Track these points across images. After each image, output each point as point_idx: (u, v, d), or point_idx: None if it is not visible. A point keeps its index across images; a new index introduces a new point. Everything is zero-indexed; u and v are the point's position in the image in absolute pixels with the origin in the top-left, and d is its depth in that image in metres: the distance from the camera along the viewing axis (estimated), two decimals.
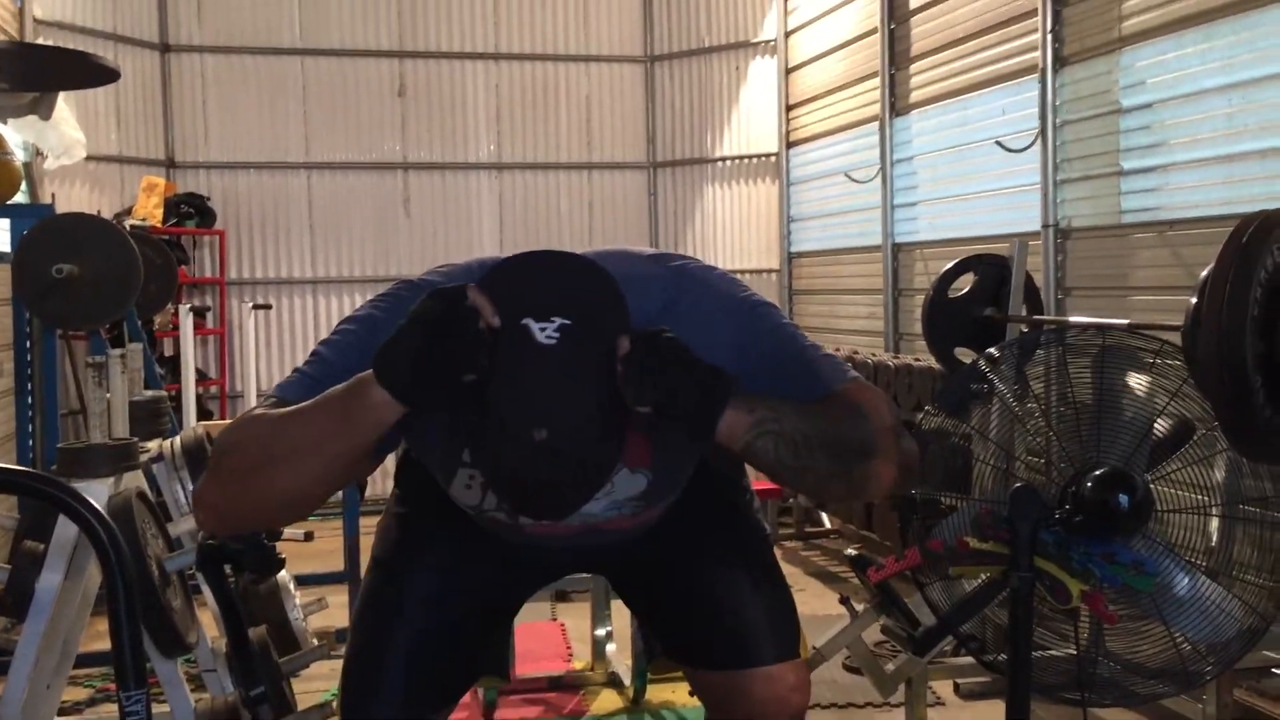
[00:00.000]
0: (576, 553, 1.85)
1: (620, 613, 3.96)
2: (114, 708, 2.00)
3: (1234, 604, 2.28)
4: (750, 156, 7.51)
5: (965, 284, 3.91)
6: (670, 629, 1.89)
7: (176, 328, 6.52)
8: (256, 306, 7.17)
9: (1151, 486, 2.32)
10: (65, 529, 2.72)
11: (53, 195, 5.60)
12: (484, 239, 7.59)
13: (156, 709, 2.06)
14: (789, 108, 7.13)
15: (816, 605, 4.69)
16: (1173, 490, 2.37)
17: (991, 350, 2.72)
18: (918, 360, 4.93)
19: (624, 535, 1.72)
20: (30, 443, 5.01)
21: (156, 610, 2.59)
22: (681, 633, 1.83)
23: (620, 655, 3.90)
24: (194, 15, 7.16)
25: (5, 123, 4.66)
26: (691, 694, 3.31)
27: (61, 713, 3.57)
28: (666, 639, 1.91)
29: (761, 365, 1.48)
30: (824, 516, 6.16)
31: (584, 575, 4.05)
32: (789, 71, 7.10)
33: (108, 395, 3.06)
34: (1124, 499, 2.23)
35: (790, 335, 1.55)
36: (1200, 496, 2.35)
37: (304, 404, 1.41)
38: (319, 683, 3.83)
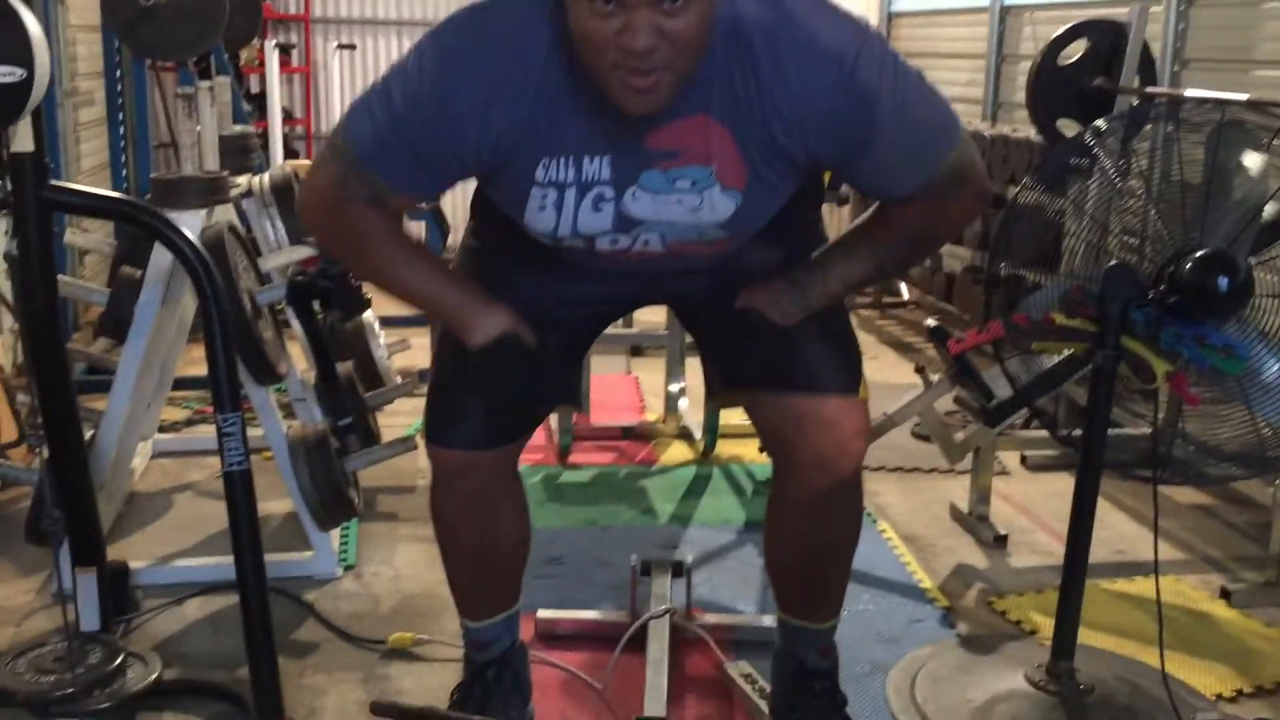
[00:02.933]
0: (651, 279, 1.83)
1: (694, 370, 4.02)
2: (211, 428, 2.11)
3: None
4: None
5: (1076, 51, 3.71)
6: (732, 355, 1.89)
7: (262, 65, 6.48)
8: (341, 46, 7.09)
9: (1254, 271, 2.25)
10: (161, 257, 2.79)
11: None
12: None
13: (250, 432, 2.15)
14: None
15: (890, 374, 4.73)
16: (1273, 277, 2.30)
17: (1098, 122, 2.60)
18: (1015, 131, 4.76)
19: (700, 262, 1.71)
20: (124, 173, 5.09)
21: (249, 339, 2.67)
22: (742, 358, 1.83)
23: (692, 410, 3.99)
24: None
25: None
26: (761, 450, 3.40)
27: (161, 430, 3.78)
28: (729, 367, 1.91)
29: (864, 145, 1.54)
30: (902, 287, 6.12)
31: (660, 333, 4.12)
32: None
33: (198, 128, 3.08)
34: (1223, 281, 2.16)
35: (896, 106, 1.52)
36: None
37: (394, 270, 1.69)
38: (403, 418, 3.97)
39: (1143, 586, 2.84)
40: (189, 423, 4.01)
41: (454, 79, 1.49)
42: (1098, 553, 2.59)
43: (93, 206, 2.38)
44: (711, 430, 3.77)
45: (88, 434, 2.65)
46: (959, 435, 3.27)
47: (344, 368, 3.19)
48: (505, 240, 1.71)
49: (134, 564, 2.72)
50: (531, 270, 1.75)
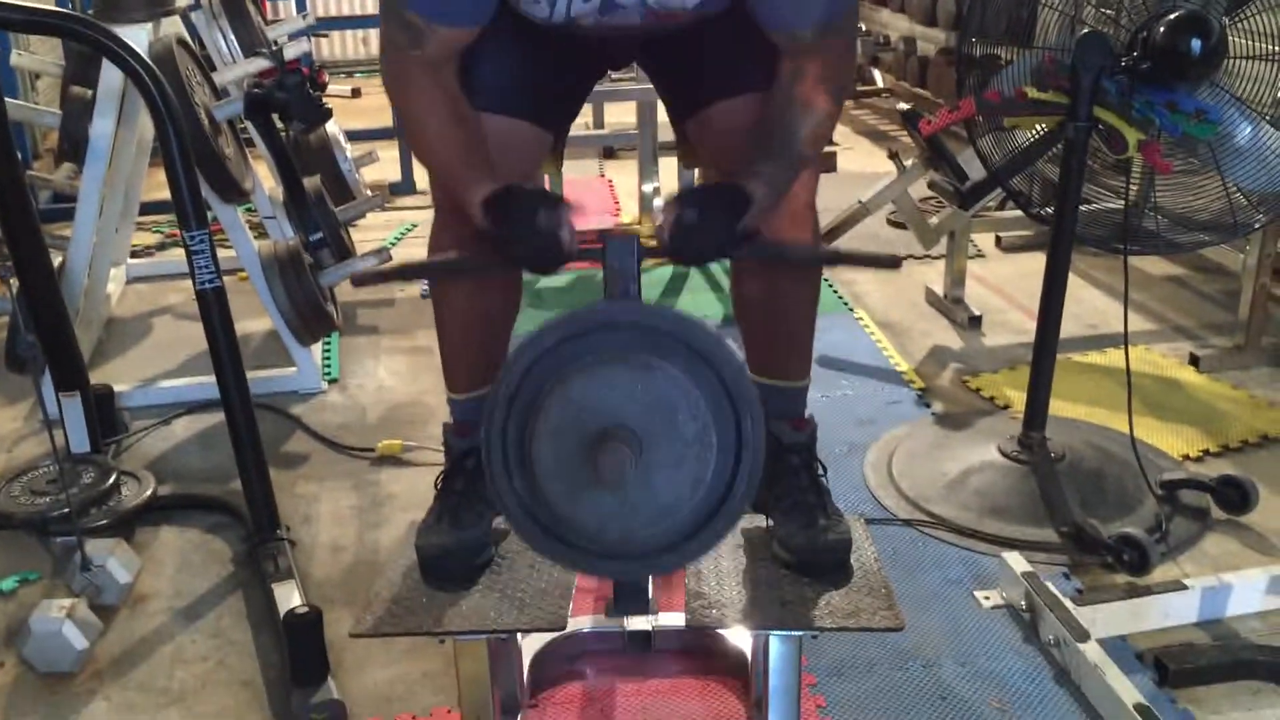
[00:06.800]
0: (629, 44, 1.87)
1: (667, 168, 3.98)
2: (183, 251, 2.09)
3: None
4: None
5: None
6: (692, 77, 1.90)
7: None
8: None
9: (1228, 33, 2.20)
10: (112, 75, 2.71)
11: None
12: None
13: (221, 253, 2.14)
14: None
15: (865, 162, 4.69)
16: (1247, 41, 2.26)
17: None
18: None
19: (678, 26, 1.73)
20: None
21: (209, 155, 2.62)
22: (702, 74, 1.85)
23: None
24: None
25: None
26: None
27: (134, 255, 3.75)
28: (690, 90, 1.92)
29: None
30: (876, 74, 6.00)
31: (631, 133, 4.06)
32: None
33: None
34: (1196, 43, 2.12)
35: None
36: (1274, 46, 2.23)
37: (435, 134, 1.62)
38: (376, 231, 3.95)
39: (1113, 357, 2.90)
40: (161, 246, 3.97)
41: None
42: (1070, 327, 2.63)
43: (31, 21, 2.28)
44: None
45: (57, 261, 2.63)
46: (933, 220, 3.27)
47: (311, 182, 3.14)
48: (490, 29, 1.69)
49: (119, 387, 2.74)
50: (520, 39, 1.74)
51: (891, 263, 1.55)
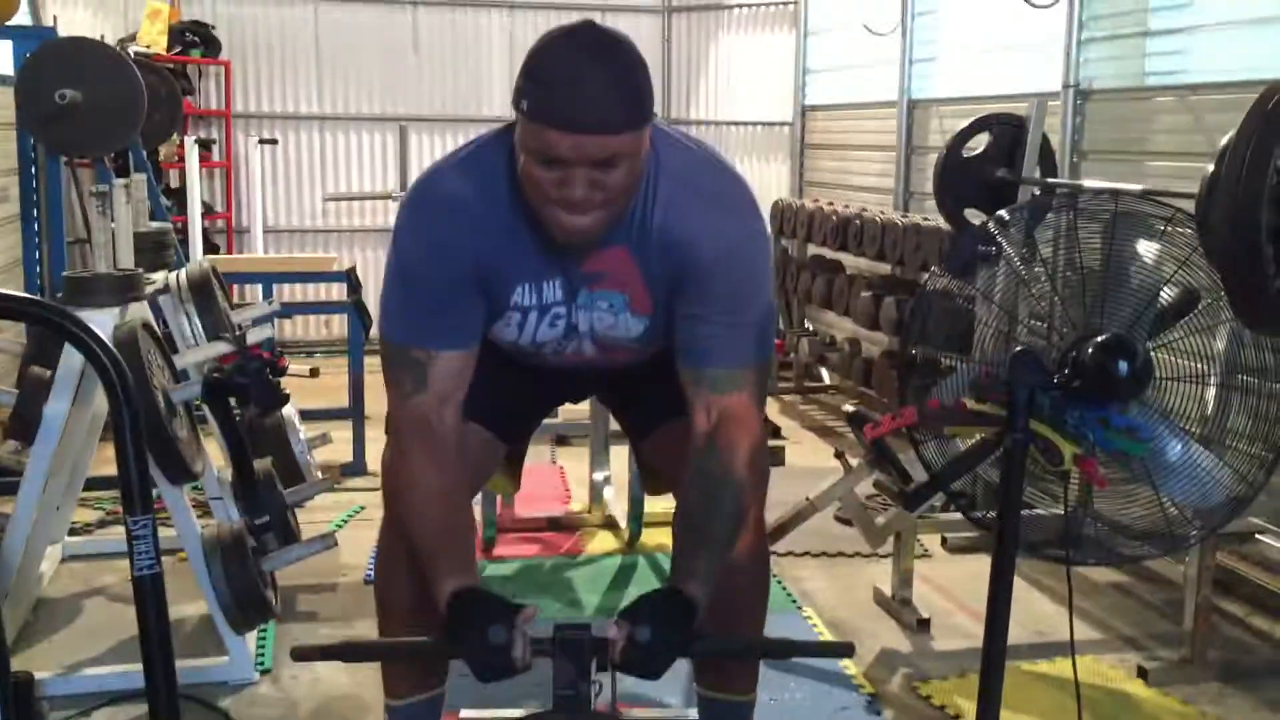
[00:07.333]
0: (583, 378, 2.02)
1: (618, 457, 4.03)
2: (123, 530, 2.06)
3: (1224, 471, 2.31)
4: (769, 4, 7.30)
5: (980, 144, 3.85)
6: (643, 406, 2.04)
7: (182, 160, 6.46)
8: (263, 141, 7.09)
9: (1152, 354, 2.32)
10: (72, 357, 2.74)
11: (54, 18, 5.46)
12: (494, 80, 7.43)
13: (164, 533, 2.10)
14: None
15: (812, 459, 4.76)
16: (1172, 358, 2.38)
17: (1002, 212, 2.70)
18: (926, 220, 4.89)
19: (628, 361, 1.89)
20: (38, 270, 5.01)
21: (162, 439, 2.62)
22: (651, 404, 1.98)
23: (617, 499, 3.98)
24: None
25: None
26: None
27: (72, 532, 3.67)
28: (642, 416, 2.01)
29: (712, 294, 1.67)
30: (823, 372, 6.21)
31: (584, 423, 4.13)
32: None
33: (112, 225, 3.05)
34: (1123, 366, 2.23)
35: (749, 300, 1.70)
36: (1200, 365, 2.35)
37: (420, 511, 1.69)
38: (323, 514, 3.92)
39: (1062, 667, 2.87)
40: (101, 524, 3.90)
41: (435, 216, 1.68)
42: (1018, 634, 2.62)
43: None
44: (636, 519, 3.77)
45: None
46: (880, 519, 3.30)
47: (262, 464, 3.14)
48: None
49: (39, 674, 2.60)
50: (489, 359, 1.81)
51: (846, 651, 1.57)
